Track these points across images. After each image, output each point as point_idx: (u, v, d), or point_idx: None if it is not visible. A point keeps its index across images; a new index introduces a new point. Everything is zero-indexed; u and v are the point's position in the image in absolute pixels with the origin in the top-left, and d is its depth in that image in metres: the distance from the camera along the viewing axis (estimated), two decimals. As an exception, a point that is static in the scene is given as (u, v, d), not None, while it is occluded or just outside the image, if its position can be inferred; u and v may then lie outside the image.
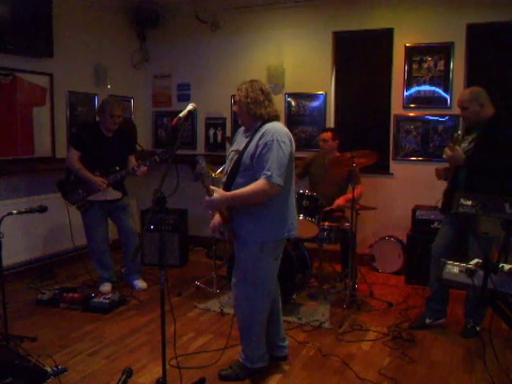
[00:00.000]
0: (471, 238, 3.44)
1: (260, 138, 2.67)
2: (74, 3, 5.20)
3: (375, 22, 5.16)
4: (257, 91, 2.76)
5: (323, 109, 5.46)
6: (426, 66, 4.99)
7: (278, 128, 2.72)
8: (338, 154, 4.57)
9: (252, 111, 2.75)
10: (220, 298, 4.22)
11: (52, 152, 5.05)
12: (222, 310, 3.98)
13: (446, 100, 4.92)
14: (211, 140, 6.10)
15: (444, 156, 3.46)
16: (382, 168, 5.18)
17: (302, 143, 5.53)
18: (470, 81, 4.90)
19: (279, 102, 5.58)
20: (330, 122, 5.47)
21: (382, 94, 5.28)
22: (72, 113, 5.29)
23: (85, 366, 3.08)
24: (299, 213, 4.11)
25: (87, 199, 4.26)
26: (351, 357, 3.25)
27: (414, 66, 5.03)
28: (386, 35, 5.13)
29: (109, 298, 4.02)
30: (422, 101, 5.03)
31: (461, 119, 4.57)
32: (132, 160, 4.45)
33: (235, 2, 5.59)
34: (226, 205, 2.73)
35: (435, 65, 4.95)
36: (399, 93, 5.12)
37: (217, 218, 2.92)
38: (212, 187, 2.68)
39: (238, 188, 2.71)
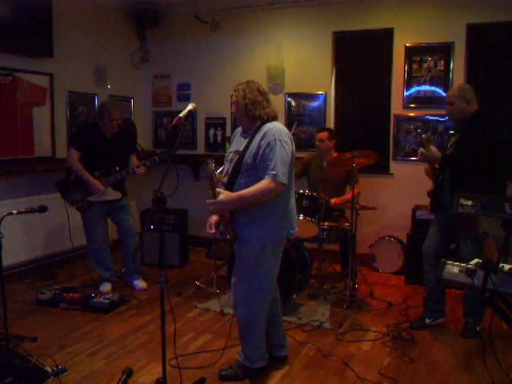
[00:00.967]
0: (462, 237, 3.45)
1: (262, 138, 2.67)
2: (74, 3, 5.21)
3: (375, 22, 5.16)
4: (254, 92, 2.77)
5: (323, 109, 5.46)
6: (425, 65, 4.99)
7: (278, 128, 2.73)
8: (336, 155, 4.57)
9: (251, 112, 2.75)
10: (220, 298, 4.22)
11: (52, 152, 5.05)
12: (222, 309, 3.99)
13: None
14: (211, 140, 6.10)
15: (419, 157, 3.46)
16: (381, 168, 5.18)
17: (302, 143, 5.53)
18: (470, 81, 4.90)
19: (279, 102, 5.59)
20: (330, 122, 5.47)
21: (382, 94, 5.28)
22: (72, 113, 5.29)
23: (85, 366, 3.08)
24: (299, 213, 4.11)
25: (87, 199, 4.27)
26: (351, 357, 3.25)
27: (414, 66, 5.03)
28: (386, 35, 5.13)
29: (109, 298, 4.02)
30: (421, 101, 5.03)
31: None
32: (133, 159, 4.45)
33: (235, 2, 5.59)
34: (233, 206, 2.70)
35: (435, 65, 4.95)
36: (399, 93, 5.12)
37: (213, 216, 2.92)
38: (218, 189, 2.67)
39: (240, 189, 2.70)
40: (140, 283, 4.55)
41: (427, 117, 5.01)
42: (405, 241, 4.91)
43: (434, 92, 4.96)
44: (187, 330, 3.64)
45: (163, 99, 6.31)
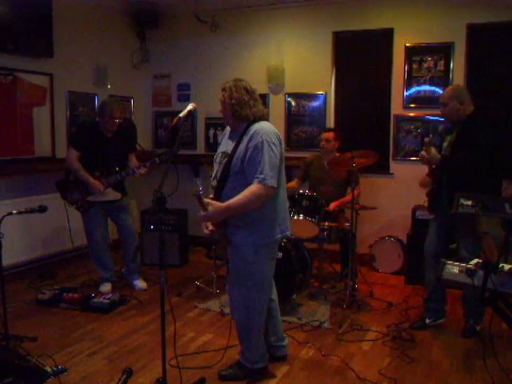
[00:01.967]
0: (461, 236, 3.46)
1: (249, 140, 2.62)
2: (74, 3, 5.20)
3: (375, 21, 5.16)
4: (241, 91, 2.69)
5: (323, 109, 5.46)
6: (425, 65, 4.98)
7: (266, 129, 2.66)
8: (338, 155, 4.57)
9: (237, 112, 2.68)
10: (220, 298, 4.22)
11: (52, 152, 5.05)
12: (222, 309, 3.99)
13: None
14: (211, 140, 6.10)
15: (420, 159, 3.48)
16: (381, 168, 5.18)
17: (302, 143, 5.54)
18: (470, 81, 4.91)
19: (279, 102, 5.59)
20: (330, 122, 5.47)
21: (382, 94, 5.28)
22: (72, 113, 5.29)
23: (85, 366, 3.08)
24: (299, 213, 4.12)
25: (86, 199, 4.27)
26: (351, 357, 3.25)
27: (414, 66, 5.03)
28: (386, 35, 5.13)
29: (109, 298, 4.02)
30: (421, 101, 5.03)
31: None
32: (132, 158, 4.45)
33: (235, 2, 5.59)
34: (223, 217, 2.65)
35: (435, 65, 4.95)
36: (399, 93, 5.12)
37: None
38: (206, 200, 2.60)
39: (228, 192, 2.66)
40: (140, 283, 4.55)
41: (427, 117, 5.00)
42: (405, 241, 4.91)
43: (433, 92, 4.96)
44: (187, 330, 3.64)
45: (163, 99, 6.31)
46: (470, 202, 2.34)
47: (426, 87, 4.99)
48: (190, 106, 2.65)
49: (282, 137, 3.05)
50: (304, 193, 4.23)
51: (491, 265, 2.20)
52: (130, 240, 4.48)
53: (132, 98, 6.12)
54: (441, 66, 4.92)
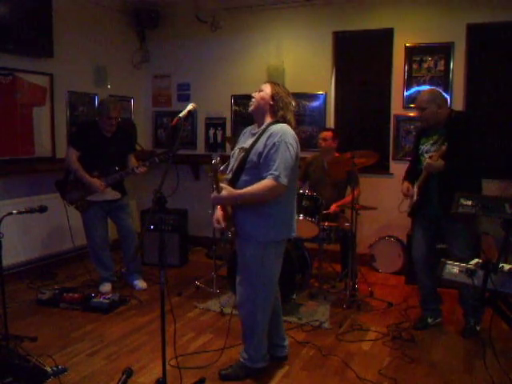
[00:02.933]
0: (453, 236, 3.46)
1: (268, 138, 2.69)
2: (74, 3, 5.21)
3: (375, 22, 5.16)
4: (286, 93, 2.85)
5: (323, 109, 5.46)
6: (425, 66, 4.99)
7: (285, 130, 2.73)
8: (337, 155, 4.57)
9: (275, 110, 2.78)
10: (220, 298, 4.22)
11: (52, 152, 5.05)
12: (221, 309, 3.98)
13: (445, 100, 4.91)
14: (211, 140, 6.10)
15: (424, 166, 3.45)
16: (381, 168, 5.19)
17: (302, 143, 5.49)
18: (470, 81, 4.91)
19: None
20: (330, 122, 5.47)
21: (382, 94, 5.28)
22: (72, 113, 5.29)
23: (85, 366, 3.08)
24: (299, 213, 4.12)
25: (86, 199, 4.27)
26: (351, 357, 3.25)
27: (414, 66, 5.03)
28: (386, 35, 5.14)
29: (109, 298, 4.02)
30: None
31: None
32: (132, 159, 4.45)
33: (235, 2, 5.59)
34: (233, 203, 2.74)
35: (435, 65, 4.95)
36: (399, 93, 5.12)
37: (219, 210, 2.90)
38: (222, 184, 2.69)
39: (242, 185, 2.72)
40: (140, 283, 4.55)
41: (427, 117, 5.00)
42: (405, 241, 4.91)
43: (434, 92, 4.95)
44: (187, 330, 3.64)
45: (163, 99, 6.31)
46: (469, 202, 2.34)
47: (426, 87, 4.97)
48: (189, 106, 2.66)
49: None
50: (304, 193, 4.23)
51: (491, 265, 2.20)
52: (129, 240, 4.48)
53: (132, 98, 6.12)
54: (441, 66, 4.93)
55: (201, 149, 6.16)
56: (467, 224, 3.40)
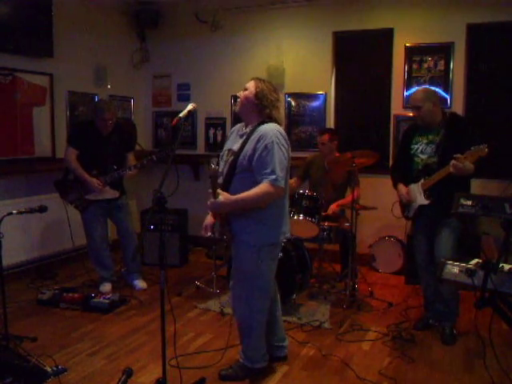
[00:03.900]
0: (443, 236, 3.43)
1: (258, 141, 2.63)
2: (74, 3, 5.21)
3: (375, 21, 5.16)
4: (271, 89, 2.75)
5: (323, 109, 5.46)
6: (425, 66, 4.99)
7: (275, 130, 2.67)
8: (337, 154, 4.57)
9: (259, 108, 2.71)
10: (220, 298, 4.22)
11: (52, 152, 5.05)
12: (221, 309, 3.98)
13: (445, 100, 4.92)
14: (211, 140, 6.10)
15: (454, 169, 3.15)
16: (381, 168, 5.17)
17: (302, 143, 5.53)
18: (470, 81, 4.91)
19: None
20: (330, 122, 5.47)
21: (382, 94, 5.28)
22: (72, 113, 5.29)
23: (85, 366, 3.08)
24: (299, 213, 4.12)
25: (85, 198, 4.27)
26: (351, 357, 3.25)
27: (414, 66, 5.03)
28: (386, 35, 5.13)
29: (109, 298, 4.02)
30: (422, 101, 5.02)
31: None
32: (130, 158, 4.44)
33: (235, 2, 5.59)
34: (230, 208, 2.69)
35: (435, 65, 4.95)
36: (399, 93, 5.12)
37: (209, 218, 2.91)
38: (219, 190, 2.66)
39: (235, 190, 2.68)
40: (140, 283, 4.55)
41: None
42: (405, 241, 4.91)
43: (434, 92, 4.95)
44: (187, 330, 3.64)
45: (163, 99, 6.31)
46: (469, 202, 2.34)
47: (426, 87, 4.98)
48: (189, 106, 2.66)
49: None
50: (304, 193, 4.23)
51: (491, 265, 2.20)
52: (129, 240, 4.48)
53: (132, 98, 6.12)
54: (441, 66, 4.93)
55: (201, 149, 6.15)
56: (463, 224, 3.39)
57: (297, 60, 5.53)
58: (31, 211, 3.25)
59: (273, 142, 2.61)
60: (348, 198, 4.39)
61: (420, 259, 3.69)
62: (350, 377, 2.99)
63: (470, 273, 2.25)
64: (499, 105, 4.87)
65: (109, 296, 4.08)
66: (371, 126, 5.45)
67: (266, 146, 2.61)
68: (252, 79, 2.81)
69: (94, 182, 4.19)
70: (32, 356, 3.02)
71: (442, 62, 4.92)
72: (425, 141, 3.49)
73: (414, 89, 5.02)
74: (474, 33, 4.84)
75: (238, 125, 2.93)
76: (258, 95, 2.71)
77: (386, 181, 5.23)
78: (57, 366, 2.95)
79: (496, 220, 2.31)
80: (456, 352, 3.33)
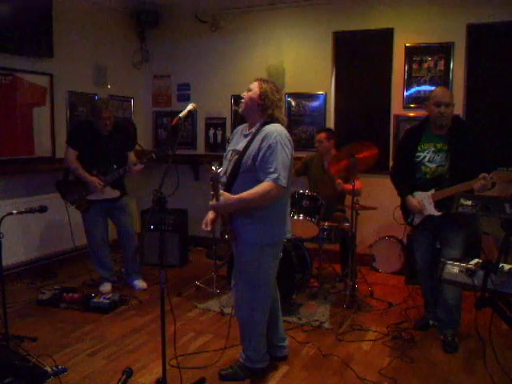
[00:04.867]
0: (448, 237, 3.41)
1: (262, 140, 2.66)
2: (74, 3, 5.21)
3: (375, 21, 5.16)
4: (274, 90, 2.78)
5: (323, 109, 5.46)
6: (425, 66, 4.99)
7: (279, 131, 2.70)
8: (334, 152, 4.55)
9: (263, 109, 2.73)
10: (220, 297, 4.22)
11: (52, 152, 5.05)
12: (221, 309, 3.99)
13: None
14: (211, 140, 6.10)
15: (481, 188, 3.05)
16: (381, 168, 5.18)
17: (302, 143, 5.53)
18: (470, 81, 4.91)
19: (279, 102, 5.57)
20: (330, 122, 5.47)
21: (382, 93, 5.28)
22: (72, 113, 5.28)
23: (85, 366, 3.08)
24: (299, 213, 4.12)
25: (86, 198, 4.27)
26: (351, 357, 3.25)
27: (414, 66, 5.03)
28: (386, 35, 5.13)
29: (109, 298, 4.02)
30: (422, 101, 4.98)
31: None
32: (131, 156, 4.44)
33: (235, 2, 5.59)
34: (233, 209, 2.70)
35: (435, 65, 4.95)
36: (399, 93, 5.12)
37: (210, 213, 2.91)
38: (220, 191, 2.66)
39: (239, 189, 2.69)
40: (140, 283, 4.55)
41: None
42: (405, 241, 4.91)
43: (433, 92, 4.95)
44: (187, 330, 3.64)
45: (163, 99, 6.31)
46: (469, 202, 2.34)
47: (426, 87, 4.99)
48: (189, 106, 2.66)
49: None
50: (304, 193, 4.23)
51: (491, 265, 2.20)
52: (128, 240, 4.48)
53: (132, 98, 6.11)
54: (441, 66, 4.93)
55: (201, 149, 6.16)
56: (465, 225, 3.37)
57: (297, 60, 5.53)
58: (31, 211, 3.25)
59: (276, 141, 2.63)
60: (352, 185, 4.28)
61: (421, 265, 3.65)
62: (350, 377, 2.99)
63: (470, 273, 2.25)
64: (499, 105, 4.87)
65: (109, 296, 4.07)
66: (371, 126, 5.45)
67: (269, 146, 2.63)
68: (255, 80, 2.84)
69: (95, 181, 4.19)
70: (32, 356, 3.02)
71: (442, 62, 4.92)
72: (432, 148, 3.35)
73: (414, 89, 5.05)
74: (474, 33, 4.84)
75: (241, 125, 2.96)
76: (261, 96, 2.75)
77: (386, 181, 5.22)
78: (57, 366, 2.95)
79: (496, 220, 2.32)
80: (456, 352, 3.32)
